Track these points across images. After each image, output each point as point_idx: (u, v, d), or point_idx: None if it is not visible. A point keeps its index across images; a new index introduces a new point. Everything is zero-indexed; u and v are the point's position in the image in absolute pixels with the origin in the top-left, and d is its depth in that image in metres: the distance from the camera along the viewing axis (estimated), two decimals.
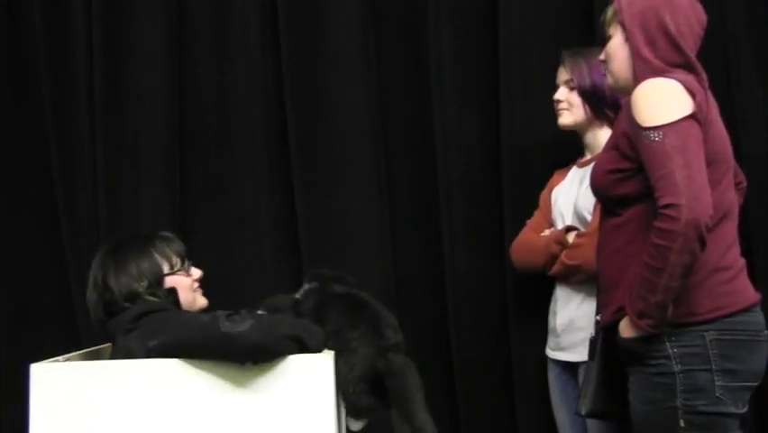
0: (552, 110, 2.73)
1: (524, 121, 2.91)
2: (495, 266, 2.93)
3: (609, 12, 2.24)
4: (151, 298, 2.36)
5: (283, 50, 3.06)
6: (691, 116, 2.03)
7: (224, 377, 2.16)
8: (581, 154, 2.72)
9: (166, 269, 2.41)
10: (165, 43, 3.13)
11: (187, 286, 2.45)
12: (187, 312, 2.37)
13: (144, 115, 3.13)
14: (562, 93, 2.67)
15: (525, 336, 2.85)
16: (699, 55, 2.18)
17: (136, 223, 3.10)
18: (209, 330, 2.14)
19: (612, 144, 2.17)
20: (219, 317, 2.15)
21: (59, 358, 2.32)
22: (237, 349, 2.13)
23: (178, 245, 2.48)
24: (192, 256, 3.08)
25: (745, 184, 2.40)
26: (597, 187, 2.22)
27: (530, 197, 2.85)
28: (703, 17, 2.20)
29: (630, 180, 2.10)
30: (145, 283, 2.36)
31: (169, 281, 2.41)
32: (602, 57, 2.27)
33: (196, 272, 2.50)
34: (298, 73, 3.04)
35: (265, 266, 3.07)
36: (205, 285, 3.06)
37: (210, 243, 3.10)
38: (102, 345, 2.65)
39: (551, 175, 2.81)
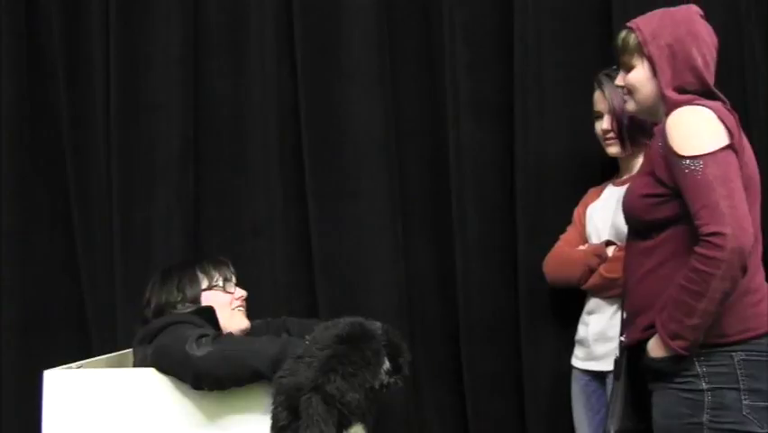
0: (566, 125, 2.71)
1: (538, 136, 2.89)
2: (508, 280, 2.92)
3: (631, 40, 2.23)
4: (179, 311, 2.38)
5: (298, 62, 3.06)
6: (729, 146, 2.05)
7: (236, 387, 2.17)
8: (616, 173, 2.72)
9: (204, 284, 2.46)
10: (181, 56, 3.14)
11: (223, 303, 2.48)
12: (193, 328, 2.29)
13: (159, 127, 3.14)
14: (608, 122, 2.62)
15: (538, 351, 2.83)
16: (717, 79, 2.20)
17: (150, 234, 3.11)
18: (179, 345, 2.16)
19: (647, 170, 2.17)
20: (190, 336, 2.16)
21: (72, 365, 2.34)
22: (188, 372, 2.14)
23: (225, 268, 2.54)
24: None
25: None
26: (630, 211, 2.22)
27: (543, 211, 2.85)
28: (716, 40, 2.23)
29: (666, 205, 2.12)
30: (181, 296, 2.43)
31: (206, 297, 2.45)
32: (620, 83, 2.29)
33: (239, 292, 2.53)
34: (313, 86, 3.05)
35: (278, 278, 3.06)
36: None
37: (223, 254, 3.06)
38: (121, 352, 2.67)
39: (564, 190, 2.82)
